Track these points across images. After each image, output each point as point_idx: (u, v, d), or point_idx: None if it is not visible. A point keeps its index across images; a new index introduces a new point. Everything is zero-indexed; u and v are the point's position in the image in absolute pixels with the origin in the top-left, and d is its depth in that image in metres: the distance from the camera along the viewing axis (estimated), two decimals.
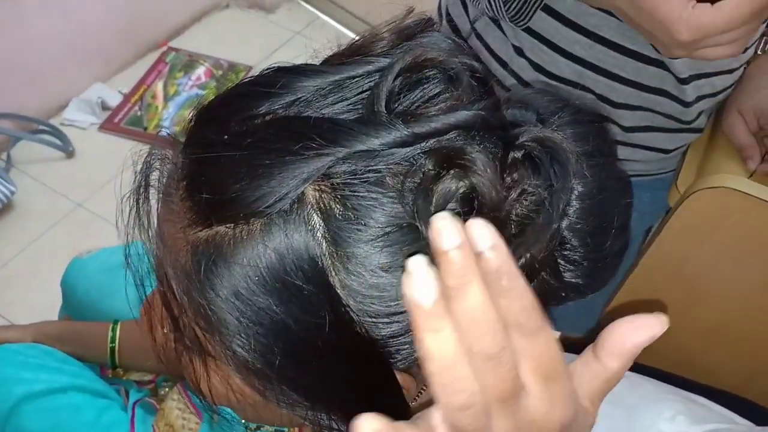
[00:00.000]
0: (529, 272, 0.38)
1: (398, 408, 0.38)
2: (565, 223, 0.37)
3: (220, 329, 0.35)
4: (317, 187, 0.34)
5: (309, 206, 0.34)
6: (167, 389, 0.88)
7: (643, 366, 0.80)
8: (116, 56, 2.02)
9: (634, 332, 0.31)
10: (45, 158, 1.80)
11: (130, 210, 0.39)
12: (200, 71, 2.03)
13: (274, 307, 0.34)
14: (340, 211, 0.33)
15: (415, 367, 0.38)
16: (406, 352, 0.36)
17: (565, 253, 0.38)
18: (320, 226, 0.34)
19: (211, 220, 0.35)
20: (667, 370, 0.79)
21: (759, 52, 0.88)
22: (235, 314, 0.34)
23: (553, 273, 0.38)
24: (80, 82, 1.95)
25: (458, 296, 0.26)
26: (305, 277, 0.33)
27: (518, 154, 0.35)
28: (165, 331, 0.41)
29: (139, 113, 1.92)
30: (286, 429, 0.56)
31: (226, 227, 0.34)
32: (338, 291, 0.34)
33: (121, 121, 1.90)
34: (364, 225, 0.33)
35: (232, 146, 0.34)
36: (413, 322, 0.26)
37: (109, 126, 1.89)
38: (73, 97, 1.92)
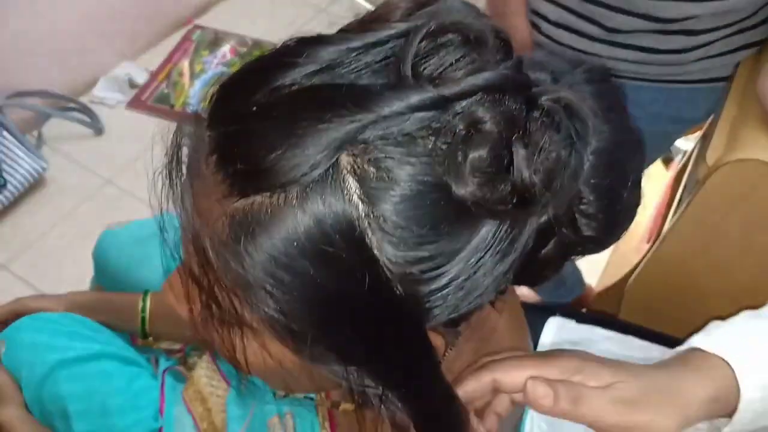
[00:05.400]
0: (551, 230, 0.38)
1: (429, 363, 0.39)
2: (582, 179, 0.38)
3: (259, 295, 0.36)
4: (350, 152, 0.34)
5: (344, 170, 0.34)
6: (196, 358, 0.90)
7: (671, 338, 0.80)
8: (143, 34, 2.04)
9: None
10: (75, 135, 1.83)
11: (163, 186, 0.39)
12: (226, 49, 2.04)
13: (313, 271, 0.34)
14: (373, 173, 0.34)
15: (441, 327, 0.39)
16: (438, 310, 0.37)
17: (582, 207, 0.39)
18: (356, 188, 0.34)
19: (247, 190, 0.35)
20: None
21: None
22: (274, 280, 0.35)
23: (572, 227, 0.39)
24: (108, 61, 1.97)
25: None
26: (343, 240, 0.34)
27: (540, 113, 0.36)
28: (194, 305, 0.42)
29: (165, 91, 1.94)
30: (314, 395, 0.57)
31: (263, 196, 0.35)
32: (375, 252, 0.35)
33: (148, 99, 1.92)
34: (398, 185, 0.34)
35: (261, 117, 0.35)
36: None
37: (136, 104, 1.91)
38: (101, 76, 1.94)
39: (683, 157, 1.54)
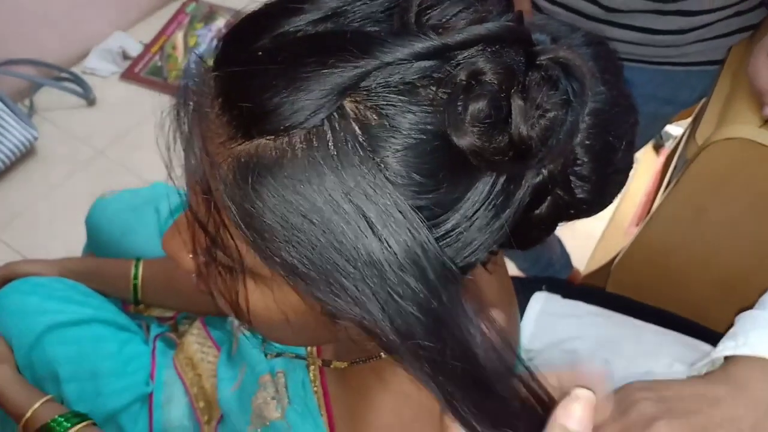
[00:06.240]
0: (545, 189, 0.39)
1: (458, 304, 0.37)
2: (577, 140, 0.38)
3: (270, 237, 0.36)
4: (353, 99, 0.35)
5: (346, 116, 0.35)
6: (187, 325, 0.91)
7: (660, 310, 0.81)
8: (137, 6, 2.02)
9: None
10: (67, 105, 1.82)
11: (170, 125, 0.39)
12: (220, 22, 2.03)
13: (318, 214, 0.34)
14: (375, 120, 0.35)
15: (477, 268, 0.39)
16: (468, 251, 0.37)
17: (576, 168, 0.40)
18: (358, 134, 0.35)
19: (251, 132, 0.35)
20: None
21: None
22: (283, 221, 0.35)
23: (565, 189, 0.40)
24: (101, 31, 1.95)
25: None
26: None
27: (538, 71, 0.37)
28: (199, 248, 0.42)
29: (159, 63, 1.93)
30: (305, 354, 0.58)
31: (267, 139, 0.35)
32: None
33: (141, 71, 1.91)
34: (399, 133, 0.35)
35: (266, 61, 0.36)
36: None
37: (129, 75, 1.90)
38: (94, 46, 1.93)
39: (673, 142, 1.56)
